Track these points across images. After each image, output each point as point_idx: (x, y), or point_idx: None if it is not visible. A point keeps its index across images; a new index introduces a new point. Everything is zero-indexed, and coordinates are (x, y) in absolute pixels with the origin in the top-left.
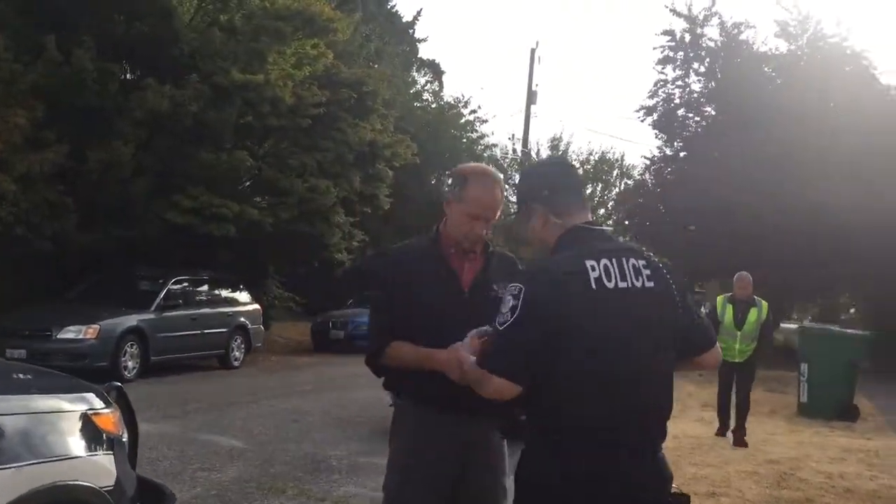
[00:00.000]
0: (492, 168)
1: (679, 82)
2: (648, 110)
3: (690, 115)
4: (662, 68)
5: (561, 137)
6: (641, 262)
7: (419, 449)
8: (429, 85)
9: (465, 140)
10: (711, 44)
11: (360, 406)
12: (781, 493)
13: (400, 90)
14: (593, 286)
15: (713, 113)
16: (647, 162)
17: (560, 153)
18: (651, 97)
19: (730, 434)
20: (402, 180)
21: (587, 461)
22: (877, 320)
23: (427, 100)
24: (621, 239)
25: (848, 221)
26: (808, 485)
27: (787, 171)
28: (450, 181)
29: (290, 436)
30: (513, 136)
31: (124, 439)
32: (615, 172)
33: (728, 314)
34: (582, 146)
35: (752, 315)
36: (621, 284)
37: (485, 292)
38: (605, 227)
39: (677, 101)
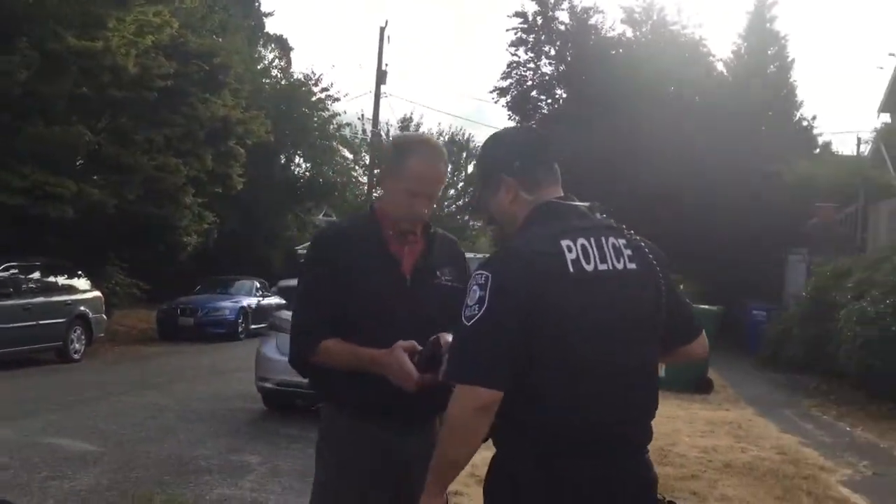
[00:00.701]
0: (434, 138)
1: (531, 64)
2: (502, 91)
3: (543, 97)
4: (515, 50)
5: (411, 118)
6: (622, 242)
7: (353, 468)
8: (277, 61)
9: (316, 119)
10: (562, 27)
11: (222, 399)
12: (666, 470)
13: (247, 65)
14: (570, 269)
15: (564, 95)
16: None
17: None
18: (504, 78)
19: None
20: (252, 159)
21: (568, 465)
22: (705, 297)
23: (276, 76)
24: (598, 216)
25: (684, 202)
26: (687, 460)
27: (633, 153)
28: (387, 153)
29: (149, 435)
30: (362, 115)
31: None
32: (464, 154)
33: None
34: (432, 127)
35: None
36: (601, 267)
37: (428, 279)
38: (579, 203)
39: (530, 83)
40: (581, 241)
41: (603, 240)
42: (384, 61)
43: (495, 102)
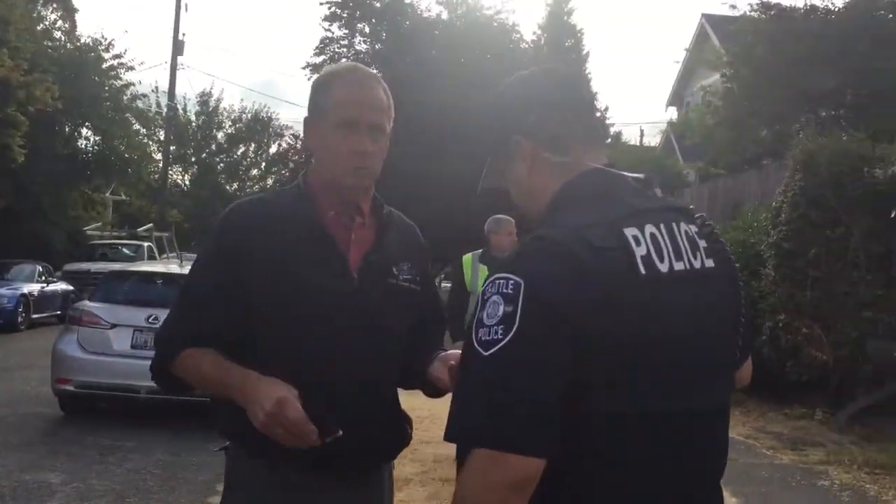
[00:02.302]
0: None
1: (345, 41)
2: (315, 68)
3: None
4: (329, 25)
5: (211, 92)
6: (694, 229)
7: None
8: (60, 23)
9: (108, 88)
10: (377, 4)
11: (7, 403)
12: None
13: (26, 25)
14: (642, 271)
15: (380, 75)
16: None
17: (210, 110)
18: (318, 54)
19: None
20: (33, 130)
21: None
22: None
23: (60, 39)
24: (658, 192)
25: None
26: None
27: (444, 136)
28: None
29: None
30: (157, 87)
31: None
32: (268, 132)
33: (482, 278)
34: (234, 103)
35: None
36: (677, 266)
37: (381, 277)
38: (629, 174)
39: (344, 60)
40: (649, 228)
41: (674, 227)
42: (181, 30)
43: (308, 80)
